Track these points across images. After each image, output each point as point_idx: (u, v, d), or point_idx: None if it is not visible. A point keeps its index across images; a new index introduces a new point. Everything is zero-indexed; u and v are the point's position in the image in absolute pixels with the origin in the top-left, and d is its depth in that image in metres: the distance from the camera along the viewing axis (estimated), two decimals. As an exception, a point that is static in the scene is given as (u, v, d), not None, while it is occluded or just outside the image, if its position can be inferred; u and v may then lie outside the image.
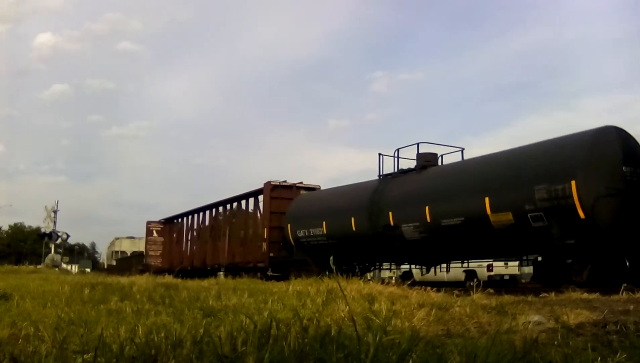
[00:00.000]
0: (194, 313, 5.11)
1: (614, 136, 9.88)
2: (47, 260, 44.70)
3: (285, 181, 17.79)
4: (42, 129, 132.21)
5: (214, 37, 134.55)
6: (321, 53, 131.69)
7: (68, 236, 50.90)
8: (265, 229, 17.37)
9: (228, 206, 21.33)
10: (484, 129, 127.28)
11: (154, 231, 28.67)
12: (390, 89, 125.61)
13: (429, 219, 11.81)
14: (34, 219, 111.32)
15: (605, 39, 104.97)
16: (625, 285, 7.27)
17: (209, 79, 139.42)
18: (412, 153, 13.97)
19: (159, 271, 21.91)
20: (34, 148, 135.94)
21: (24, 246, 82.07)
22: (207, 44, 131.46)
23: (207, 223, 23.35)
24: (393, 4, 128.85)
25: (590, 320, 4.20)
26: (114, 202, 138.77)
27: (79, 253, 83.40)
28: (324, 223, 14.97)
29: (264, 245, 17.36)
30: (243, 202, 19.95)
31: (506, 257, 13.10)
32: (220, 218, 22.15)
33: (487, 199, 10.58)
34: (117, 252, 51.37)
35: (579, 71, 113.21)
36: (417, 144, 13.73)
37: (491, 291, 6.74)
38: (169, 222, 28.04)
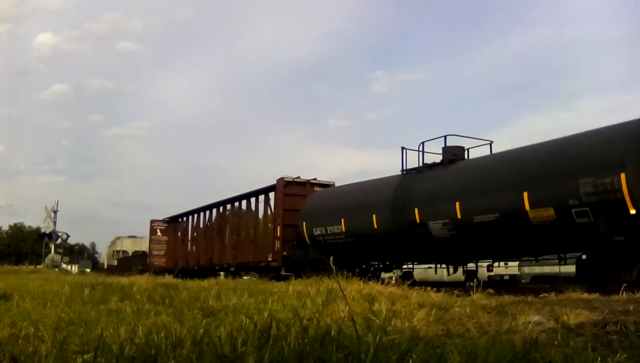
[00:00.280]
0: (194, 313, 5.11)
1: None
2: (47, 260, 44.74)
3: (298, 177, 17.21)
4: (42, 129, 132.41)
5: (214, 37, 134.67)
6: (321, 53, 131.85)
7: (68, 236, 51.04)
8: (278, 227, 16.83)
9: (236, 204, 20.73)
10: (484, 129, 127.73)
11: (158, 230, 28.12)
12: (390, 89, 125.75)
13: (459, 216, 11.23)
14: (34, 219, 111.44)
15: (605, 39, 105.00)
16: (625, 285, 7.26)
17: (209, 79, 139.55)
18: (434, 147, 13.39)
19: (163, 271, 21.68)
20: (34, 148, 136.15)
21: (24, 246, 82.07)
22: (207, 44, 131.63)
23: (214, 221, 22.89)
24: (393, 4, 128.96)
25: (590, 320, 4.20)
26: (114, 202, 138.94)
27: (79, 253, 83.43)
28: (342, 220, 14.34)
29: (277, 244, 16.81)
30: (253, 199, 19.34)
31: (545, 255, 12.41)
32: (229, 216, 21.63)
33: (525, 194, 10.01)
34: (118, 252, 50.79)
35: (579, 71, 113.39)
36: (445, 136, 13.04)
37: (491, 291, 6.74)
38: (174, 221, 27.62)
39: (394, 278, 15.02)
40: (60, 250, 50.38)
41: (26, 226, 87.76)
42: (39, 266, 40.74)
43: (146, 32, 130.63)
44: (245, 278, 18.75)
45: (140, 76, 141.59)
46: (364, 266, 15.07)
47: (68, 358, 2.83)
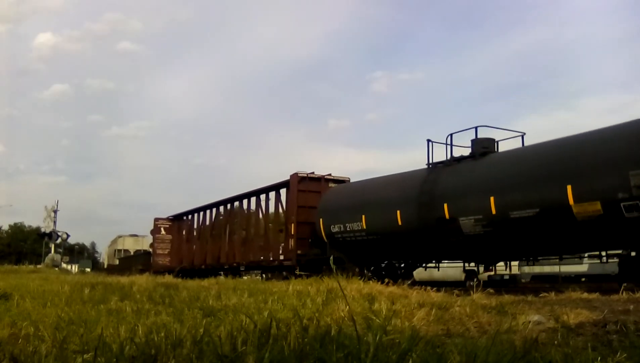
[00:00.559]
0: (194, 312, 5.11)
1: None
2: (47, 259, 44.75)
3: (313, 173, 16.63)
4: (42, 129, 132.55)
5: (214, 37, 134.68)
6: (321, 53, 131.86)
7: (68, 236, 51.04)
8: (293, 224, 16.21)
9: (245, 201, 20.12)
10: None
11: (162, 229, 27.58)
12: (390, 89, 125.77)
13: (494, 212, 10.64)
14: (34, 219, 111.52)
15: (605, 39, 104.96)
16: (625, 284, 7.25)
17: (209, 79, 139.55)
18: (460, 139, 12.77)
19: (167, 271, 21.05)
20: (34, 148, 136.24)
21: (24, 246, 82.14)
22: (207, 44, 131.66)
23: (221, 219, 22.40)
24: (393, 4, 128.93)
25: (590, 320, 4.20)
26: (114, 202, 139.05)
27: (79, 253, 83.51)
28: (362, 217, 13.70)
29: (291, 242, 16.22)
30: (263, 196, 18.76)
31: (588, 252, 11.83)
32: (237, 213, 21.08)
33: (569, 187, 9.44)
34: (119, 250, 50.17)
35: (579, 71, 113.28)
36: (475, 128, 12.35)
37: (491, 291, 6.74)
38: (178, 219, 27.09)
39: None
40: (60, 250, 50.40)
41: (26, 226, 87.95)
42: (39, 266, 40.78)
43: (146, 32, 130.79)
44: (245, 277, 18.69)
45: (140, 76, 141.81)
46: (383, 264, 14.71)
47: (68, 358, 2.82)
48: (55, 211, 50.89)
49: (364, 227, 13.68)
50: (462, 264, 14.02)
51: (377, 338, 2.54)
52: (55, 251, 48.16)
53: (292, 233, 16.15)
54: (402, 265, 14.67)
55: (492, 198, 10.70)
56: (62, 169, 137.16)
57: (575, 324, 4.09)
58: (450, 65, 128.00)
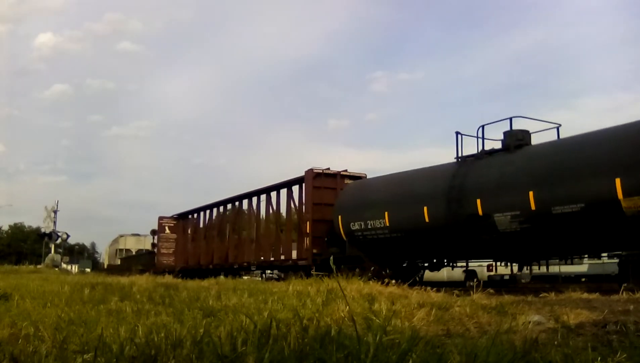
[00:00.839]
0: (194, 313, 5.11)
1: None
2: (47, 260, 44.75)
3: (328, 169, 16.11)
4: (42, 129, 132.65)
5: (214, 37, 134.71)
6: (321, 53, 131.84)
7: (68, 236, 50.99)
8: (308, 222, 15.57)
9: (254, 199, 19.45)
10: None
11: (166, 228, 26.78)
12: (390, 89, 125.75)
13: (533, 207, 10.03)
14: (34, 219, 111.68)
15: (605, 39, 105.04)
16: (625, 285, 7.26)
17: (209, 79, 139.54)
18: (490, 132, 12.14)
19: (172, 271, 20.58)
20: (34, 148, 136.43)
21: (24, 246, 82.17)
22: (207, 44, 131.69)
23: (229, 217, 21.89)
24: (393, 4, 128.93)
25: (590, 320, 4.20)
26: (114, 202, 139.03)
27: (79, 253, 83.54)
28: (385, 213, 13.03)
29: (307, 241, 15.57)
30: (273, 194, 18.16)
31: (637, 250, 10.87)
32: (246, 211, 20.43)
33: (618, 180, 8.91)
34: (121, 250, 49.18)
35: (579, 71, 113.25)
36: (510, 118, 11.64)
37: (491, 291, 6.74)
38: (183, 217, 26.44)
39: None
40: (60, 250, 50.35)
41: (26, 226, 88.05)
42: (39, 266, 40.78)
43: (146, 32, 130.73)
44: (245, 277, 18.66)
45: (140, 76, 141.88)
46: (405, 264, 14.26)
47: (68, 358, 2.83)
48: (55, 211, 50.80)
49: (387, 224, 13.06)
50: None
51: (377, 338, 2.54)
52: (55, 252, 48.14)
53: (307, 231, 15.54)
54: (426, 265, 14.15)
55: (531, 193, 10.10)
56: (62, 169, 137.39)
57: (575, 324, 4.09)
58: (450, 65, 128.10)
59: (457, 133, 12.31)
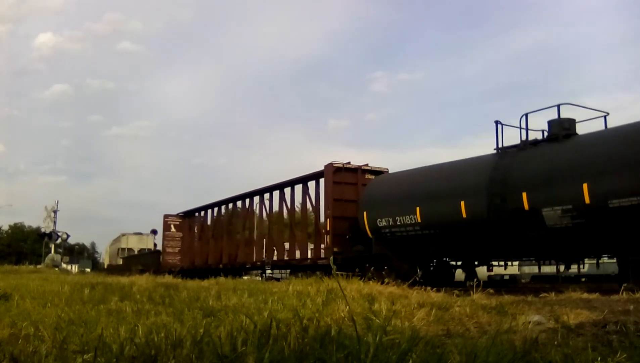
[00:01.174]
0: (194, 313, 5.11)
1: None
2: (47, 260, 44.76)
3: (349, 163, 15.35)
4: (42, 129, 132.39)
5: (214, 37, 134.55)
6: (321, 53, 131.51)
7: (68, 236, 51.07)
8: (328, 219, 14.86)
9: (266, 196, 18.66)
10: (484, 129, 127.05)
11: (172, 226, 25.99)
12: (390, 89, 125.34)
13: (587, 201, 9.38)
14: (34, 219, 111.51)
15: (605, 39, 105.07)
16: (625, 285, 7.25)
17: (209, 79, 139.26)
18: (535, 121, 11.44)
19: (177, 271, 20.19)
20: (34, 148, 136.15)
21: (24, 246, 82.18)
22: (207, 44, 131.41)
23: (239, 214, 21.19)
24: (393, 4, 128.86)
25: (590, 320, 4.20)
26: (114, 202, 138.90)
27: (79, 253, 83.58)
28: (417, 209, 12.34)
29: (327, 239, 14.84)
30: (287, 190, 17.41)
31: None
32: (258, 208, 19.83)
33: None
34: (123, 249, 48.13)
35: (579, 71, 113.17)
36: (558, 106, 10.88)
37: (491, 291, 6.74)
38: (189, 215, 25.68)
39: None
40: (60, 250, 50.37)
41: (26, 226, 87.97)
42: (39, 266, 40.76)
43: (146, 32, 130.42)
44: (245, 278, 18.59)
45: (140, 76, 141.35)
46: (433, 263, 13.72)
47: (68, 358, 2.83)
48: (55, 211, 50.83)
49: (419, 220, 12.36)
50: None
51: (377, 338, 2.54)
52: (55, 252, 48.15)
53: (328, 228, 14.85)
54: (458, 264, 13.55)
55: (585, 185, 9.42)
56: (62, 169, 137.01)
57: (575, 324, 4.09)
58: (450, 65, 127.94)
59: (497, 122, 11.57)
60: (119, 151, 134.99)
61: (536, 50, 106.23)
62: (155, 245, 45.20)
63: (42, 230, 54.09)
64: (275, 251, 17.99)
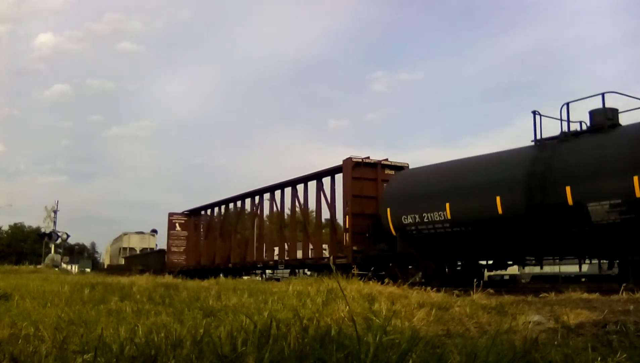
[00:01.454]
0: (194, 313, 5.11)
1: None
2: (47, 260, 44.77)
3: (368, 158, 14.75)
4: (42, 129, 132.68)
5: (214, 37, 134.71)
6: (321, 53, 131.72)
7: (68, 236, 51.08)
8: (347, 216, 14.28)
9: (278, 192, 18.14)
10: (484, 129, 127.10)
11: (177, 224, 25.38)
12: (390, 89, 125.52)
13: (638, 195, 8.90)
14: (34, 219, 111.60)
15: (605, 39, 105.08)
16: (625, 284, 7.25)
17: (209, 79, 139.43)
18: (576, 111, 10.90)
19: (182, 271, 19.96)
20: (34, 148, 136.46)
21: (24, 246, 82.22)
22: (207, 44, 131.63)
23: (248, 212, 20.66)
24: (393, 4, 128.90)
25: (590, 320, 4.20)
26: (114, 202, 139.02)
27: (79, 253, 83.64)
28: (447, 205, 11.81)
29: (346, 237, 14.30)
30: (300, 187, 16.73)
31: None
32: (268, 206, 19.21)
33: None
34: (125, 249, 47.57)
35: (579, 71, 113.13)
36: (602, 94, 10.36)
37: (491, 291, 6.74)
38: (195, 214, 25.21)
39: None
40: (60, 250, 50.38)
41: (26, 226, 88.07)
42: (39, 266, 40.75)
43: (146, 32, 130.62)
44: (245, 278, 18.57)
45: (140, 76, 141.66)
46: (459, 262, 13.26)
47: (68, 358, 2.83)
48: (55, 211, 50.86)
49: (449, 217, 11.79)
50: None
51: (377, 338, 2.54)
52: (55, 252, 48.14)
53: (347, 226, 14.28)
54: (489, 263, 13.00)
55: (635, 178, 8.93)
56: (62, 169, 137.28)
57: (575, 324, 4.09)
58: (450, 65, 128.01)
59: (535, 113, 10.95)
60: (119, 151, 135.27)
61: (536, 50, 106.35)
62: (156, 244, 45.19)
63: (42, 230, 54.14)
64: (287, 250, 17.50)
